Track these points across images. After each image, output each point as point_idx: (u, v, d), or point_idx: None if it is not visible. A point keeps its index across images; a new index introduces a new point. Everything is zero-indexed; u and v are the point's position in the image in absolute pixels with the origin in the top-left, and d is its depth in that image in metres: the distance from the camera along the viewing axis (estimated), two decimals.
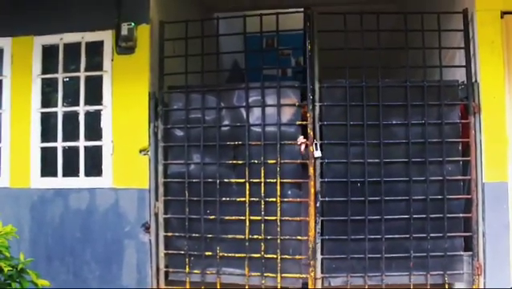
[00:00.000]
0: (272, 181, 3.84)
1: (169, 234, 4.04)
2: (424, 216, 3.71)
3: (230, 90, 4.08)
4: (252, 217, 3.85)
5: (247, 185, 3.87)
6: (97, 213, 4.08)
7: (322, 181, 3.76)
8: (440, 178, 3.73)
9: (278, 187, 3.82)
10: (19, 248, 3.33)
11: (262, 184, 3.85)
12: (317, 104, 3.80)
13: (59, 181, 4.19)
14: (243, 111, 3.97)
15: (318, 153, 3.74)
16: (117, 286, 3.99)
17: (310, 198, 3.75)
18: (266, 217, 3.83)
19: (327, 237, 3.75)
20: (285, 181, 3.85)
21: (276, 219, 3.81)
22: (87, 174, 4.16)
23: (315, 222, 3.74)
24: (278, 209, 3.81)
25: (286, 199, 3.85)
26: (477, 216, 3.72)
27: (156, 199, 4.04)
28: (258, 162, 3.87)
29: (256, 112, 3.97)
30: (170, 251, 4.04)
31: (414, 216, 3.70)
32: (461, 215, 3.76)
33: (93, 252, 4.07)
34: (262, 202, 3.84)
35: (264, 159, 3.86)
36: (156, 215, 4.04)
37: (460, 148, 3.81)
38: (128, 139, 4.07)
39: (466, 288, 3.77)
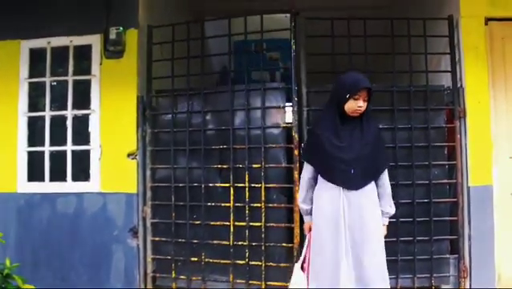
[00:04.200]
0: (257, 185, 3.81)
1: (157, 238, 4.03)
2: (410, 219, 3.74)
3: (216, 93, 4.06)
4: (237, 223, 3.84)
5: (231, 189, 3.86)
6: (85, 218, 4.04)
7: None
8: (427, 182, 3.77)
9: (263, 192, 3.80)
10: (5, 253, 3.30)
11: (247, 188, 3.83)
12: (304, 109, 3.83)
13: (46, 186, 4.15)
14: (228, 114, 3.93)
15: None
16: None
17: (295, 204, 3.63)
18: (251, 223, 3.82)
19: None
20: (270, 185, 3.82)
21: (261, 225, 3.79)
22: (75, 179, 4.13)
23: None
24: (263, 214, 3.79)
25: (270, 205, 3.81)
26: (462, 219, 3.77)
27: (144, 203, 4.04)
28: (242, 166, 3.86)
29: (241, 115, 3.95)
30: (157, 256, 4.02)
31: (401, 219, 3.72)
32: (446, 218, 3.80)
33: (81, 257, 4.03)
34: (247, 207, 3.82)
35: (249, 163, 3.84)
36: (144, 219, 4.03)
37: (446, 152, 3.85)
38: (117, 143, 4.05)
39: None
